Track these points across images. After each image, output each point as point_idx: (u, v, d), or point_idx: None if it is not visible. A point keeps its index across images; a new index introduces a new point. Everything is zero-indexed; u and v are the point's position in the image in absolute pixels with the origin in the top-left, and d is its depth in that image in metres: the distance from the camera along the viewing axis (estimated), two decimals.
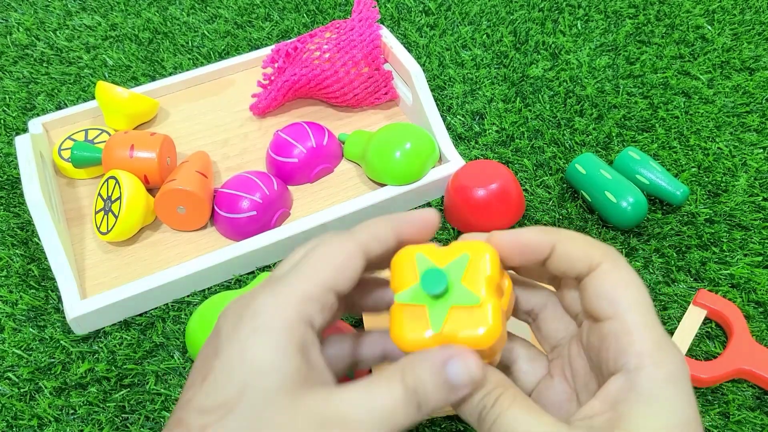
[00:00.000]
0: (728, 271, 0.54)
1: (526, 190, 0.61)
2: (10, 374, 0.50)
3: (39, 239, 0.58)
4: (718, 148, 0.63)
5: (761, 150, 0.63)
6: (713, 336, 0.50)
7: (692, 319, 0.50)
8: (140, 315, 0.54)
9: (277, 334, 0.27)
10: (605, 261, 0.29)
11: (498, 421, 0.28)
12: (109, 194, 0.56)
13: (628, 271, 0.29)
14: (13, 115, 0.70)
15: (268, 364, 0.27)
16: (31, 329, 0.53)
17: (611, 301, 0.28)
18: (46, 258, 0.56)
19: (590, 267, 0.29)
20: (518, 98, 0.69)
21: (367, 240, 0.31)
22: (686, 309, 0.51)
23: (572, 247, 0.30)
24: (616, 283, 0.29)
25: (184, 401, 0.28)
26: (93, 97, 0.71)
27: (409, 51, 0.75)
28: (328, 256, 0.29)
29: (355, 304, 0.35)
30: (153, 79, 0.74)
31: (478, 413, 0.28)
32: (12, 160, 0.66)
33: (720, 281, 0.53)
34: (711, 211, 0.58)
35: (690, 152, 0.63)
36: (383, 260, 0.32)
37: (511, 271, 0.33)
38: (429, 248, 0.31)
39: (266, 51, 0.73)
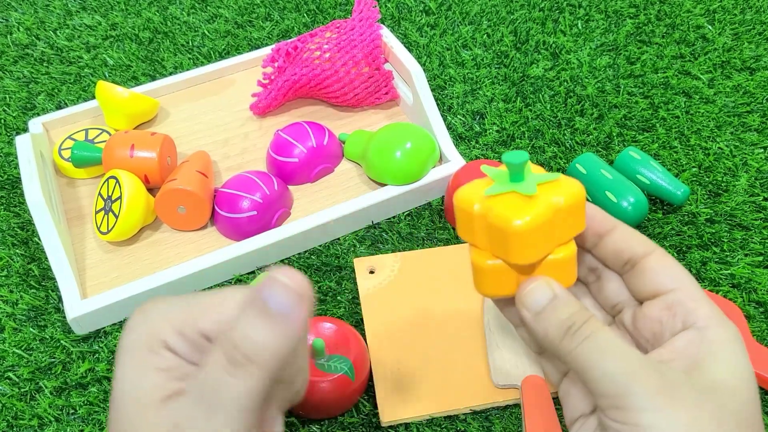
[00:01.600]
0: (729, 271, 0.54)
1: None
2: (10, 374, 0.50)
3: (39, 239, 0.58)
4: (719, 147, 0.63)
5: (762, 150, 0.63)
6: None
7: None
8: None
9: (135, 358, 0.29)
10: (658, 249, 0.33)
11: (592, 337, 0.29)
12: (110, 194, 0.56)
13: (675, 259, 0.33)
14: (14, 114, 0.70)
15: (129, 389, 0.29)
16: (31, 329, 0.53)
17: (674, 276, 0.32)
18: (47, 258, 0.56)
19: (646, 251, 0.33)
20: (519, 98, 0.69)
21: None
22: None
23: (633, 232, 0.34)
24: (674, 264, 0.33)
25: None
26: (93, 97, 0.71)
27: (410, 51, 0.75)
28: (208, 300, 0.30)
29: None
30: (153, 78, 0.74)
31: (566, 328, 0.30)
32: (12, 160, 0.66)
33: (720, 281, 0.53)
34: (711, 211, 0.58)
35: (690, 152, 0.63)
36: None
37: None
38: (535, 166, 0.34)
39: (266, 51, 0.73)
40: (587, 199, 0.57)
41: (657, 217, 0.58)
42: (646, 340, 0.33)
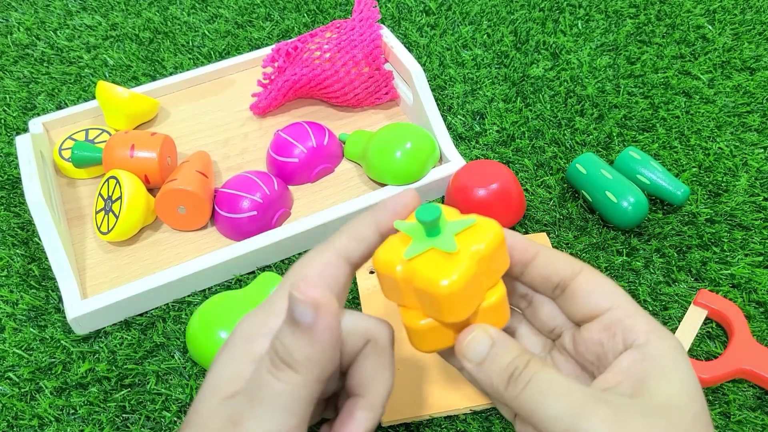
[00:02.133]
0: (729, 271, 0.54)
1: (526, 190, 0.61)
2: (10, 374, 0.50)
3: (39, 239, 0.58)
4: (719, 147, 0.63)
5: (762, 150, 0.63)
6: (714, 336, 0.50)
7: (693, 319, 0.50)
8: (141, 315, 0.54)
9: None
10: (585, 268, 0.33)
11: (534, 380, 0.29)
12: (110, 194, 0.56)
13: (604, 275, 0.33)
14: (14, 114, 0.70)
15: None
16: (31, 329, 0.53)
17: (606, 295, 0.32)
18: (47, 258, 0.56)
19: (573, 272, 0.32)
20: (519, 98, 0.69)
21: (345, 244, 0.32)
22: (687, 309, 0.51)
23: (556, 256, 0.33)
24: (604, 282, 0.32)
25: None
26: (93, 97, 0.71)
27: (410, 51, 0.75)
28: (302, 272, 0.31)
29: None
30: (153, 78, 0.74)
31: (508, 375, 0.30)
32: (12, 160, 0.66)
33: (721, 281, 0.53)
34: (712, 211, 0.58)
35: (691, 152, 0.63)
36: (369, 257, 0.33)
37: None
38: (449, 209, 0.33)
39: (267, 51, 0.73)
40: (586, 206, 0.57)
41: (657, 217, 0.58)
42: (591, 363, 0.32)
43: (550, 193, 0.60)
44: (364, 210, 0.57)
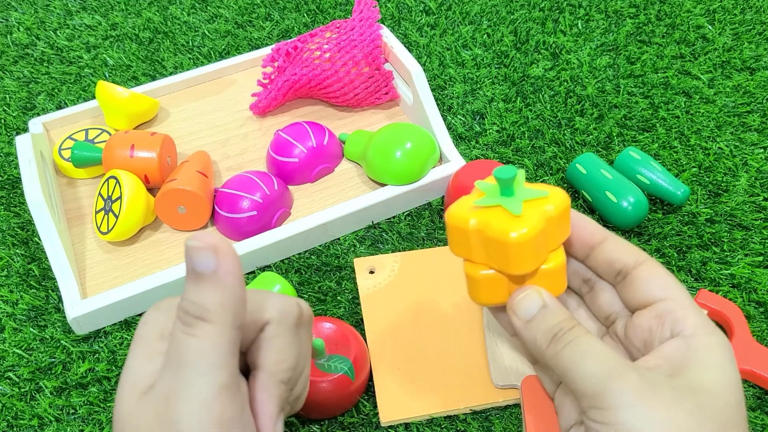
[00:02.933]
0: (729, 271, 0.54)
1: None
2: (10, 374, 0.50)
3: (39, 239, 0.58)
4: (719, 147, 0.63)
5: (762, 150, 0.63)
6: None
7: None
8: (141, 315, 0.54)
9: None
10: (649, 259, 0.34)
11: (576, 342, 0.30)
12: (110, 194, 0.56)
13: (666, 269, 0.34)
14: (14, 114, 0.70)
15: None
16: (31, 329, 0.53)
17: (664, 285, 0.33)
18: (47, 258, 0.56)
19: (637, 261, 0.34)
20: (519, 98, 0.69)
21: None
22: None
23: (623, 243, 0.34)
24: (664, 274, 0.33)
25: None
26: (93, 97, 0.71)
27: (410, 51, 0.75)
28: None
29: None
30: (153, 78, 0.74)
31: (552, 334, 0.31)
32: (12, 160, 0.66)
33: (721, 281, 0.53)
34: (712, 211, 0.58)
35: (691, 152, 0.63)
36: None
37: None
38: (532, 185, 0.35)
39: (267, 51, 0.73)
40: (586, 206, 0.57)
41: (657, 217, 0.58)
42: (637, 349, 0.34)
43: None
44: (364, 210, 0.57)
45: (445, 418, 0.46)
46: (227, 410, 0.27)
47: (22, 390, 0.49)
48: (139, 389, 0.29)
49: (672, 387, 0.29)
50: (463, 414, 0.46)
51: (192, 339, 0.28)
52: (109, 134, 0.65)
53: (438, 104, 0.68)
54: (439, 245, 0.57)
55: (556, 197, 0.33)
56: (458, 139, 0.65)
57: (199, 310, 0.28)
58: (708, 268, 0.54)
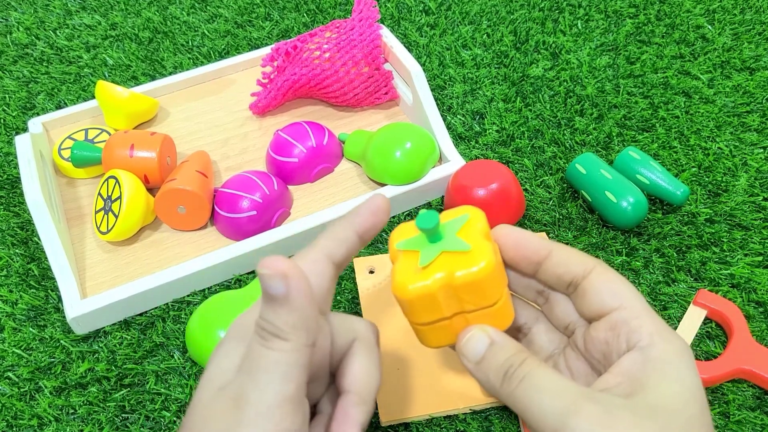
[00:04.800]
0: (728, 271, 0.54)
1: (526, 189, 0.61)
2: (10, 374, 0.50)
3: (39, 239, 0.58)
4: (719, 147, 0.63)
5: (761, 150, 0.63)
6: (713, 336, 0.50)
7: (692, 319, 0.50)
8: (140, 315, 0.54)
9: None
10: (598, 266, 0.33)
11: (528, 378, 0.29)
12: (109, 194, 0.56)
13: (617, 273, 0.33)
14: (13, 114, 0.70)
15: None
16: (31, 329, 0.53)
17: (615, 293, 0.32)
18: (46, 258, 0.56)
19: (585, 270, 0.33)
20: (518, 98, 0.69)
21: (327, 243, 0.33)
22: (686, 309, 0.51)
23: (569, 254, 0.33)
24: (614, 280, 0.32)
25: None
26: (93, 97, 0.71)
27: (410, 51, 0.75)
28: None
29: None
30: (153, 78, 0.74)
31: (503, 372, 0.30)
32: (12, 160, 0.66)
33: (720, 281, 0.53)
34: (711, 211, 0.58)
35: (690, 152, 0.63)
36: (350, 258, 0.35)
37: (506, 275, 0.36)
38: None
39: (266, 50, 0.73)
40: (586, 206, 0.57)
41: (657, 217, 0.58)
42: (597, 361, 0.33)
43: (549, 193, 0.60)
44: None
45: (444, 418, 0.46)
46: (286, 420, 0.29)
47: (22, 390, 0.49)
48: (218, 383, 0.30)
49: (632, 411, 0.28)
50: (463, 414, 0.47)
51: (267, 351, 0.29)
52: (109, 134, 0.65)
53: (438, 104, 0.68)
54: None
55: (473, 212, 0.33)
56: (458, 139, 0.65)
57: (274, 329, 0.29)
58: (707, 268, 0.54)
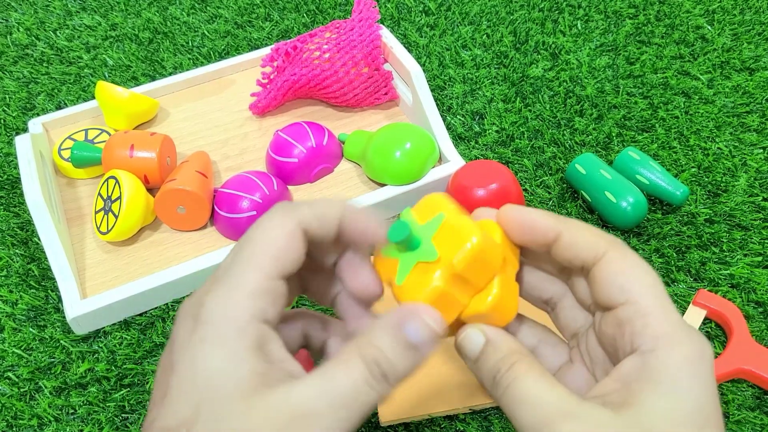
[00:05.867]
0: (728, 271, 0.54)
1: (526, 190, 0.61)
2: (10, 374, 0.50)
3: (39, 239, 0.58)
4: (718, 148, 0.63)
5: (761, 150, 0.63)
6: (713, 336, 0.50)
7: (692, 319, 0.50)
8: (140, 315, 0.54)
9: (227, 340, 0.26)
10: (611, 250, 0.29)
11: (512, 386, 0.28)
12: (109, 194, 0.56)
13: (634, 258, 0.29)
14: (13, 114, 0.70)
15: (219, 374, 0.26)
16: (31, 329, 0.53)
17: (621, 287, 0.28)
18: (46, 258, 0.56)
19: (596, 256, 0.29)
20: (518, 98, 0.69)
21: (308, 218, 0.30)
22: (686, 309, 0.51)
23: (578, 236, 0.30)
24: (625, 269, 0.29)
25: (149, 421, 0.27)
26: (93, 97, 0.71)
27: (409, 51, 0.75)
28: (270, 240, 0.28)
29: (322, 294, 0.34)
30: (153, 79, 0.74)
31: (492, 376, 0.28)
32: (12, 160, 0.66)
33: (720, 281, 0.53)
34: (711, 211, 0.58)
35: (690, 152, 0.63)
36: (325, 241, 0.31)
37: (527, 260, 0.34)
38: (438, 204, 0.32)
39: (266, 51, 0.73)
40: (586, 206, 0.57)
41: (656, 217, 0.58)
42: (610, 354, 0.30)
43: (549, 193, 0.60)
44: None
45: (444, 418, 0.46)
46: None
47: (22, 390, 0.49)
48: (242, 391, 0.27)
49: (618, 430, 0.25)
50: (463, 414, 0.47)
51: (372, 391, 0.27)
52: (109, 134, 0.65)
53: (437, 104, 0.68)
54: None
55: (444, 206, 0.31)
56: (458, 139, 0.66)
57: (393, 372, 0.27)
58: (707, 268, 0.54)
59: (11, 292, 0.55)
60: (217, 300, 0.28)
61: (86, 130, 0.65)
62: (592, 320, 0.32)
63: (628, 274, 0.28)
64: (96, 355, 0.51)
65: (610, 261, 0.29)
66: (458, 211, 0.30)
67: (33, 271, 0.56)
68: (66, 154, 0.62)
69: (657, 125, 0.66)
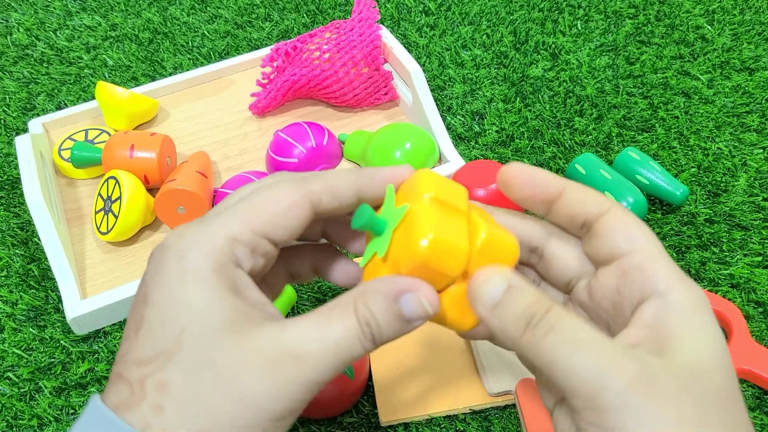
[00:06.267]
0: (728, 271, 0.54)
1: None
2: (10, 374, 0.50)
3: (39, 239, 0.58)
4: (718, 148, 0.63)
5: (761, 150, 0.63)
6: None
7: None
8: None
9: (205, 275, 0.26)
10: (614, 206, 0.30)
11: (555, 330, 0.26)
12: (109, 194, 0.56)
13: (634, 216, 0.30)
14: (14, 115, 0.70)
15: (204, 306, 0.26)
16: (31, 329, 0.53)
17: (630, 236, 0.29)
18: (46, 258, 0.56)
19: (601, 210, 0.29)
20: (518, 98, 0.69)
21: (319, 190, 0.29)
22: None
23: (584, 192, 0.30)
24: (630, 223, 0.29)
25: (121, 355, 0.27)
26: (93, 97, 0.71)
27: (409, 51, 0.75)
28: (268, 202, 0.28)
29: (321, 272, 0.34)
30: (153, 79, 0.74)
31: (526, 320, 0.26)
32: (12, 160, 0.66)
33: (720, 281, 0.53)
34: (711, 211, 0.58)
35: (690, 152, 0.63)
36: (341, 213, 0.31)
37: (504, 210, 0.33)
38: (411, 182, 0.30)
39: (266, 51, 0.73)
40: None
41: (656, 217, 0.58)
42: (606, 311, 0.30)
43: None
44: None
45: (444, 418, 0.46)
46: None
47: (22, 390, 0.49)
48: (239, 331, 0.27)
49: (673, 375, 0.25)
50: (463, 414, 0.47)
51: (362, 348, 0.27)
52: (109, 135, 0.65)
53: (437, 104, 0.68)
54: None
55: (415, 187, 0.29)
56: (458, 139, 0.66)
57: (380, 335, 0.27)
58: (707, 268, 0.54)
59: (11, 292, 0.55)
60: (195, 239, 0.27)
61: (86, 131, 0.65)
62: (588, 267, 0.31)
63: (633, 227, 0.29)
64: (96, 356, 0.51)
65: (615, 215, 0.29)
66: (434, 198, 0.28)
67: (33, 272, 0.56)
68: (66, 154, 0.62)
69: (657, 125, 0.66)
